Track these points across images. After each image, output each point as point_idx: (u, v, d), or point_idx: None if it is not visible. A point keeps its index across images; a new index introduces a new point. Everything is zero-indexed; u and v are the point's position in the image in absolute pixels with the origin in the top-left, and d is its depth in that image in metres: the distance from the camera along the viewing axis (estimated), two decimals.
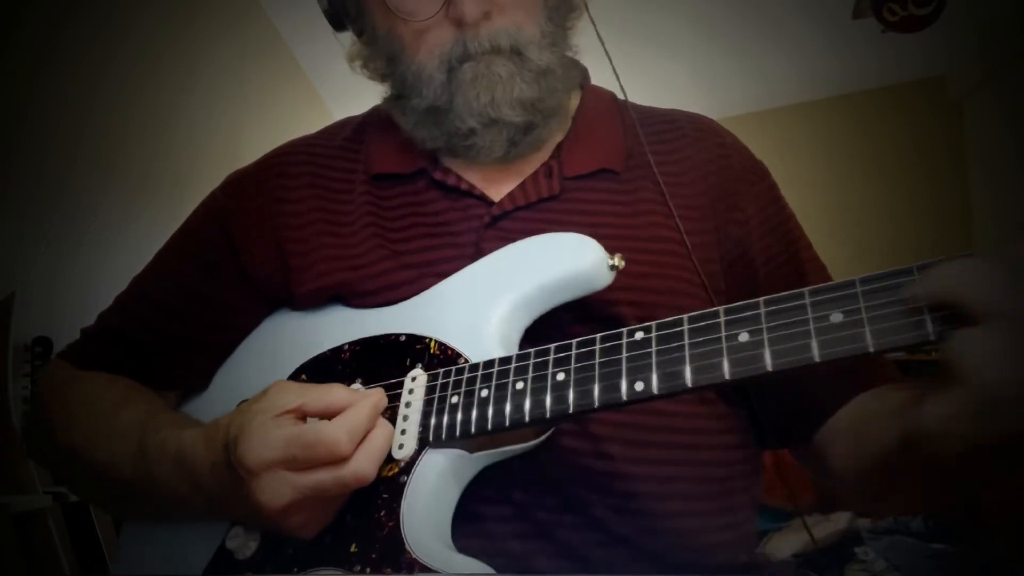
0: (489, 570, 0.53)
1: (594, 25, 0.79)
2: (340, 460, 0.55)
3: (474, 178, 0.76)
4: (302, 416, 0.59)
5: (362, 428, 0.57)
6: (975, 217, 4.48)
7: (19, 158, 2.49)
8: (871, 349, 0.46)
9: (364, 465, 0.56)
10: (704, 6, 3.89)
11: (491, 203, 0.74)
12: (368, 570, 0.55)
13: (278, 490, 0.55)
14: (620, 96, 0.83)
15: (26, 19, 2.51)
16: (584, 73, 0.85)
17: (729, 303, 0.72)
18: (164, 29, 3.18)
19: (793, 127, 4.79)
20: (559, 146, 0.77)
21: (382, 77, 0.79)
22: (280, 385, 0.62)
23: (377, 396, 0.60)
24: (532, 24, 0.71)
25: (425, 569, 0.53)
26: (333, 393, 0.60)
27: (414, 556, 0.54)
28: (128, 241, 2.76)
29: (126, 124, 2.96)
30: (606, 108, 0.81)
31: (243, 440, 0.56)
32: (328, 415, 0.58)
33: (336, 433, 0.55)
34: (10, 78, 2.45)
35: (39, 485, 2.13)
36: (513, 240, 0.70)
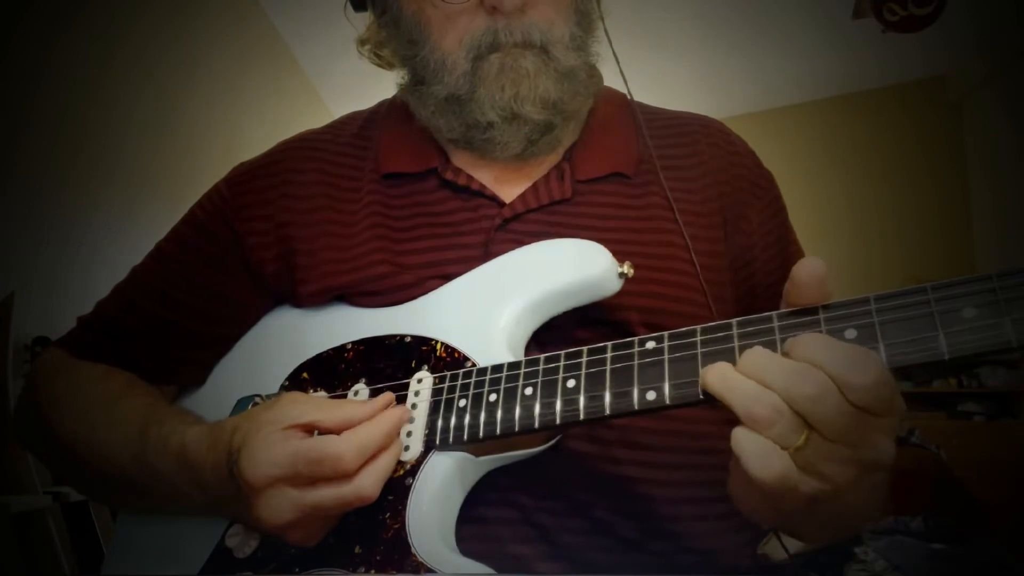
0: (493, 573, 0.53)
1: (608, 39, 0.79)
2: (344, 477, 0.54)
3: (485, 178, 0.75)
4: (311, 431, 0.57)
5: (373, 446, 0.56)
6: (975, 216, 4.48)
7: (19, 158, 2.49)
8: (885, 365, 0.46)
9: (367, 485, 0.55)
10: (705, 6, 3.90)
11: (502, 204, 0.73)
12: (372, 571, 0.55)
13: (278, 508, 0.54)
14: (630, 99, 0.82)
15: (27, 19, 2.51)
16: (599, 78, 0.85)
17: (736, 309, 0.73)
18: (164, 29, 3.18)
19: (793, 127, 4.79)
20: (571, 148, 0.77)
21: (401, 61, 0.78)
22: (291, 396, 0.61)
23: (398, 415, 0.59)
24: (563, 24, 0.70)
25: (429, 571, 0.53)
26: (348, 408, 0.58)
27: (419, 558, 0.53)
28: (128, 241, 2.76)
29: (126, 124, 2.96)
30: (618, 111, 0.81)
31: (246, 452, 0.55)
32: (341, 431, 0.57)
33: (342, 449, 0.54)
34: (11, 78, 2.45)
35: (39, 485, 2.13)
36: (523, 242, 0.69)
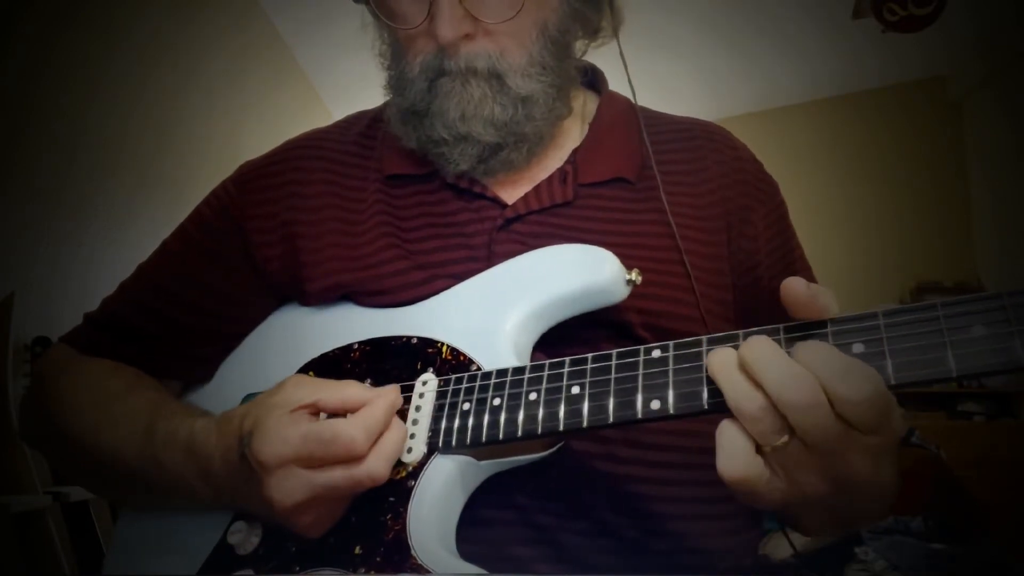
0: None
1: (622, 55, 0.79)
2: (356, 459, 0.55)
3: (488, 180, 0.75)
4: (316, 412, 0.58)
5: (378, 427, 0.57)
6: (975, 216, 4.48)
7: (19, 158, 2.49)
8: (892, 381, 0.46)
9: (378, 465, 0.55)
10: (705, 7, 3.89)
11: (504, 205, 0.74)
12: (371, 572, 0.55)
13: (291, 488, 0.55)
14: (635, 104, 0.83)
15: (27, 17, 2.51)
16: (602, 79, 0.85)
17: (740, 314, 0.73)
18: (164, 29, 3.17)
19: (793, 127, 4.79)
20: (575, 152, 0.77)
21: (386, 67, 0.79)
22: (295, 379, 0.62)
23: (393, 394, 0.60)
24: (520, 51, 0.70)
25: (428, 573, 0.53)
26: (348, 389, 0.59)
27: (418, 561, 0.54)
28: (128, 240, 2.76)
29: (126, 124, 2.96)
30: (623, 116, 0.81)
31: (259, 435, 0.56)
32: (343, 412, 0.58)
33: (353, 431, 0.55)
34: (10, 77, 2.45)
35: (39, 485, 2.12)
36: (525, 242, 0.70)
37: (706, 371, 0.50)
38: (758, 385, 0.46)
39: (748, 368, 0.47)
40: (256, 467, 0.56)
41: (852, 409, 0.44)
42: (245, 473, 0.57)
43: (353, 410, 0.58)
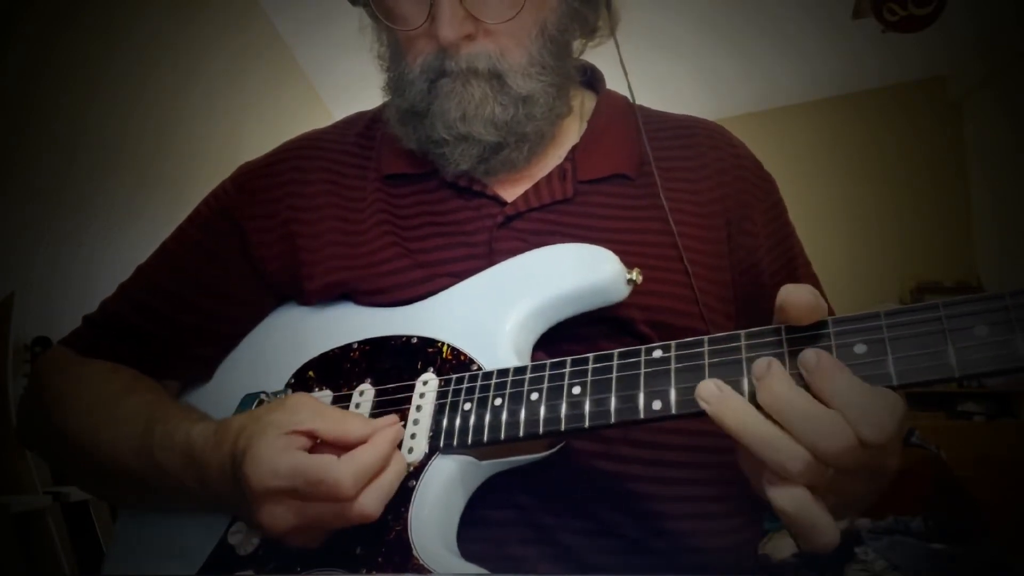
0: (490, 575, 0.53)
1: (619, 54, 0.79)
2: (343, 500, 0.54)
3: (488, 179, 0.75)
4: (313, 438, 0.57)
5: (371, 470, 0.55)
6: (975, 216, 4.48)
7: (19, 158, 2.49)
8: (894, 381, 0.46)
9: (370, 505, 0.54)
10: (706, 7, 3.89)
11: (504, 203, 0.74)
12: (373, 572, 0.55)
13: (280, 516, 0.55)
14: (633, 102, 0.83)
15: (27, 17, 2.51)
16: (600, 79, 0.85)
17: (741, 310, 0.73)
18: (164, 29, 3.17)
19: (793, 127, 4.79)
20: (573, 149, 0.77)
21: (385, 69, 0.79)
22: (297, 399, 0.61)
23: (393, 433, 0.58)
24: (520, 51, 0.71)
25: (429, 573, 0.53)
26: (349, 423, 0.58)
27: (420, 561, 0.54)
28: (128, 240, 2.76)
29: (126, 124, 2.96)
30: (621, 113, 0.81)
31: (250, 456, 0.55)
32: (340, 445, 0.57)
33: (341, 475, 0.53)
34: (10, 77, 2.45)
35: (39, 485, 2.12)
36: (526, 239, 0.70)
37: (707, 371, 0.50)
38: (788, 431, 0.44)
39: (773, 415, 0.45)
40: (247, 490, 0.55)
41: (879, 446, 0.44)
42: (238, 489, 0.57)
43: (349, 447, 0.56)
